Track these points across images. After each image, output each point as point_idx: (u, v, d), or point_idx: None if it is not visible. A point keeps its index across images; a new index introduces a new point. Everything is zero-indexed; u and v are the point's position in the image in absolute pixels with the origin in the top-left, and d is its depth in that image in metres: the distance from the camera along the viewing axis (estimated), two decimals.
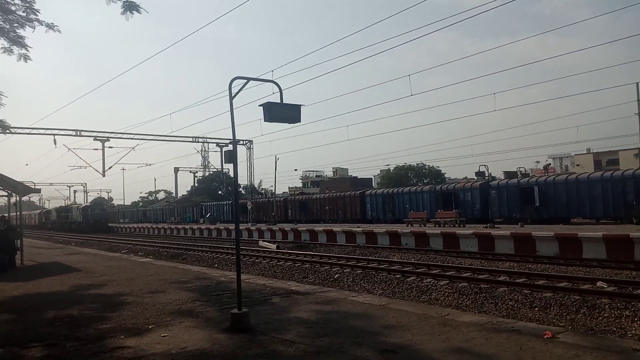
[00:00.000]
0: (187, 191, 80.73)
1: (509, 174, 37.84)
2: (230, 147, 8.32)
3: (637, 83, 34.88)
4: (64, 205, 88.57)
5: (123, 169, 69.23)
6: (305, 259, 19.96)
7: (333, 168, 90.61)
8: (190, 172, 70.26)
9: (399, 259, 18.46)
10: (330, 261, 18.69)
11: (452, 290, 12.40)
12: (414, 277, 14.20)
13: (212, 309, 8.71)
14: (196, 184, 71.03)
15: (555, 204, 29.15)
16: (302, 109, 8.35)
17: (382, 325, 7.23)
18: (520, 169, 40.85)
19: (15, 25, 13.10)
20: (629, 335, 8.21)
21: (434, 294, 12.37)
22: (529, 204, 30.17)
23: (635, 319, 9.01)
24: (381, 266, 16.64)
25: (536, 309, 10.28)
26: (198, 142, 52.05)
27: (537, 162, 74.28)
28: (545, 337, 6.34)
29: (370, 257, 19.33)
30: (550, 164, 70.83)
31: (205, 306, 9.03)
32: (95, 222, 60.97)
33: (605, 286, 11.46)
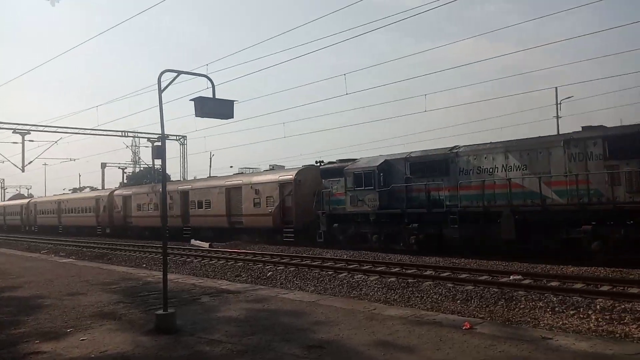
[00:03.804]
0: (116, 188, 76.95)
1: None
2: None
3: (556, 87, 37.26)
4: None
5: (45, 164, 65.03)
6: (238, 257, 19.74)
7: (270, 165, 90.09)
8: (119, 167, 67.39)
9: (332, 256, 18.70)
10: (263, 259, 18.60)
11: (381, 285, 12.71)
12: (345, 273, 14.43)
13: (136, 311, 8.43)
14: (125, 181, 68.24)
15: None
16: (235, 105, 8.26)
17: (311, 322, 7.30)
18: None
19: None
20: (541, 325, 8.75)
21: (364, 289, 12.63)
22: None
23: (547, 310, 9.64)
24: (314, 263, 16.77)
25: (458, 301, 10.76)
26: (128, 136, 50.01)
27: None
28: (464, 328, 6.67)
29: (304, 255, 19.42)
30: None
31: (130, 308, 8.73)
32: None
33: (519, 277, 12.16)
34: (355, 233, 20.84)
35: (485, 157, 17.17)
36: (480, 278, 12.34)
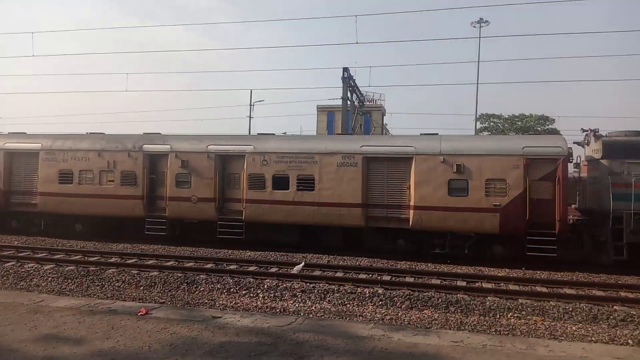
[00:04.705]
0: None
1: None
2: None
3: (251, 90, 40.83)
4: None
5: None
6: None
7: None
8: None
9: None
10: None
11: (57, 274, 11.56)
12: (13, 262, 12.54)
13: None
14: None
15: None
16: None
17: None
18: None
19: None
20: (217, 305, 9.48)
21: (35, 279, 11.27)
22: None
23: (224, 291, 10.50)
24: None
25: (142, 287, 10.70)
26: None
27: None
28: (139, 314, 6.67)
29: None
30: None
31: None
32: None
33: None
34: None
35: None
36: (167, 264, 12.54)
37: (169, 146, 17.04)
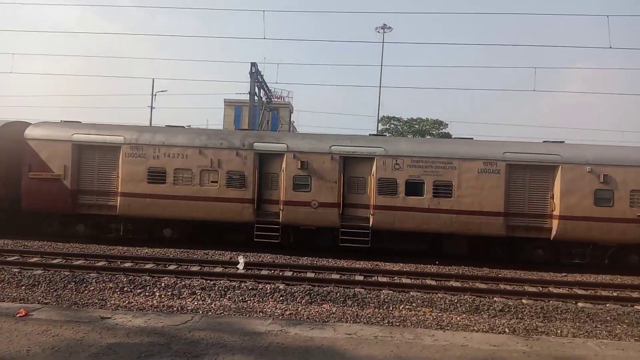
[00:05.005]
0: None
1: None
2: None
3: (153, 79, 39.25)
4: None
5: None
6: None
7: None
8: None
9: None
10: None
11: None
12: None
13: None
14: None
15: None
16: None
17: None
18: None
19: None
20: (108, 305, 8.99)
21: None
22: None
23: (117, 290, 9.99)
24: None
25: (23, 287, 9.87)
26: None
27: None
28: (18, 316, 6.16)
29: None
30: None
31: None
32: None
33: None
34: None
35: None
36: (53, 262, 11.66)
37: (284, 145, 15.34)
